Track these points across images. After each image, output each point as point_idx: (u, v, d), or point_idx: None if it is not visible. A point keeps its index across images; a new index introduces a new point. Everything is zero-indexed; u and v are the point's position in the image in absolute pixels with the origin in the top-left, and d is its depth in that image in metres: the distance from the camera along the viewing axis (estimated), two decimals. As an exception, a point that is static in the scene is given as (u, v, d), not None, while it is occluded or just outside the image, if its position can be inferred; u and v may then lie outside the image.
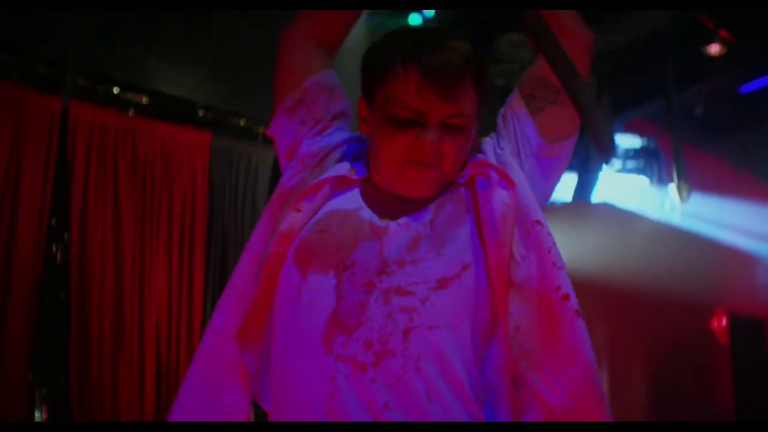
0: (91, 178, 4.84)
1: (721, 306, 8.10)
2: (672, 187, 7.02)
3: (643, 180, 7.17)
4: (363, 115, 1.77)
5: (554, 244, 1.70)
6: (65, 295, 4.76)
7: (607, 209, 6.82)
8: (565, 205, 6.67)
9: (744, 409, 8.51)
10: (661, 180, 7.11)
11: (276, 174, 5.56)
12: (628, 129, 7.15)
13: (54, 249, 4.83)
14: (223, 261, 5.34)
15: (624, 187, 7.06)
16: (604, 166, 6.74)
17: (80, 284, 4.73)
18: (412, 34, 1.73)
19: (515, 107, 1.85)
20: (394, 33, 1.75)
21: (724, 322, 8.12)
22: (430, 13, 5.96)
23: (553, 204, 6.66)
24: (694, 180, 7.22)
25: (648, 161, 7.21)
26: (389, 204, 1.72)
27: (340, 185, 1.77)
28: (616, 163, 7.05)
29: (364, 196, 1.75)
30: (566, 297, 1.64)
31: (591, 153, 6.65)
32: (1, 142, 4.52)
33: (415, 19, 5.96)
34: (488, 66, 1.74)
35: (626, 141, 7.13)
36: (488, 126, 1.86)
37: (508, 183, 1.67)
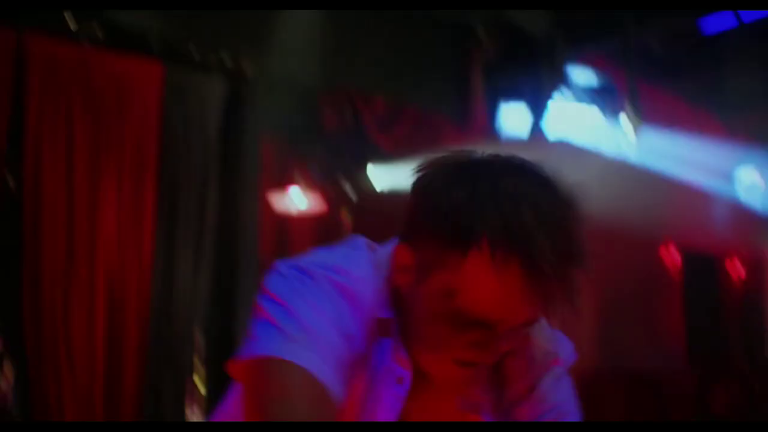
0: (45, 110, 4.84)
1: (673, 242, 8.22)
2: (624, 120, 7.06)
3: (597, 116, 7.21)
4: (405, 264, 1.30)
5: None
6: (18, 227, 4.79)
7: (560, 144, 6.86)
8: (518, 139, 6.71)
9: (696, 345, 8.70)
10: (616, 114, 7.14)
11: (227, 107, 5.58)
12: (584, 63, 7.17)
13: (8, 178, 4.86)
14: (174, 192, 5.38)
15: (578, 121, 7.09)
16: (558, 102, 6.78)
17: (33, 216, 4.77)
18: (514, 196, 1.20)
19: None
20: (478, 182, 1.22)
21: (677, 257, 8.27)
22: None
23: (507, 140, 6.73)
24: (650, 117, 7.26)
25: (603, 97, 7.25)
26: None
27: None
28: (571, 97, 7.07)
29: None
30: None
31: (544, 87, 6.67)
32: (-46, 75, 4.51)
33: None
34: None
35: (582, 76, 7.16)
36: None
37: None
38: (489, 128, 6.77)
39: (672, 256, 8.26)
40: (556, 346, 1.49)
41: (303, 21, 5.78)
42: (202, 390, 5.53)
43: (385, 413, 1.38)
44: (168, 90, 5.35)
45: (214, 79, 5.62)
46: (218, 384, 5.04)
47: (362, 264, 1.37)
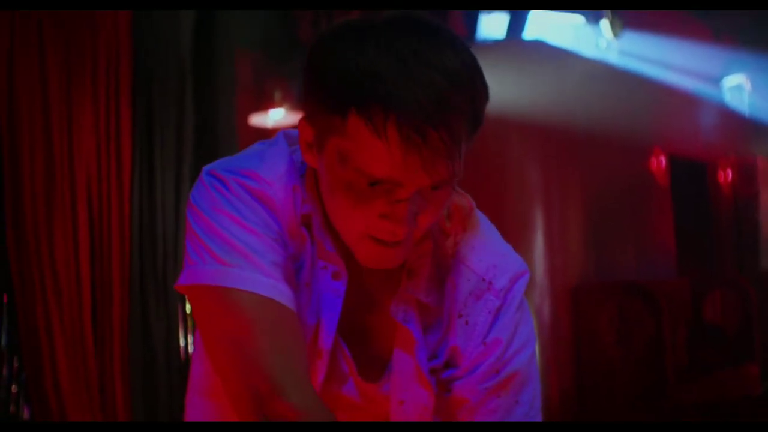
0: (16, 37, 4.78)
1: (660, 147, 8.16)
2: (605, 23, 6.97)
3: (577, 17, 7.10)
4: (307, 140, 1.30)
5: None
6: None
7: (539, 47, 6.76)
8: (496, 43, 6.60)
9: (686, 253, 8.70)
10: (596, 17, 7.03)
11: (200, 24, 5.46)
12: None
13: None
14: (149, 112, 5.33)
15: (557, 25, 6.98)
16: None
17: (10, 135, 4.74)
18: (392, 51, 1.16)
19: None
20: (362, 42, 1.19)
21: (663, 162, 8.21)
22: None
23: (484, 42, 6.61)
24: (632, 20, 7.16)
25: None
26: None
27: None
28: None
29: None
30: None
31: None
32: None
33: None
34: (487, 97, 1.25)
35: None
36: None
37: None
38: (467, 35, 6.65)
39: (659, 162, 8.20)
40: (495, 269, 1.44)
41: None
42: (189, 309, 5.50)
43: (328, 312, 1.39)
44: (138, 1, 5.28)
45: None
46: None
47: (276, 161, 1.37)
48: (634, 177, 7.88)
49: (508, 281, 1.44)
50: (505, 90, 6.16)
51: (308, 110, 1.27)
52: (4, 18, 4.74)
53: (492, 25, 6.59)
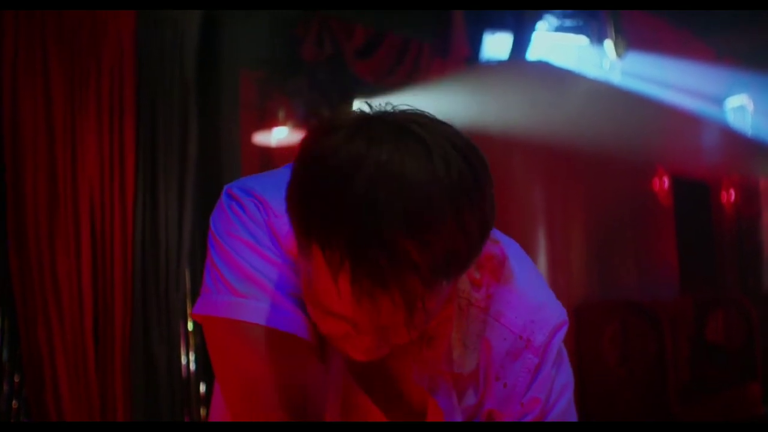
0: (20, 47, 4.77)
1: (663, 167, 8.13)
2: (608, 43, 6.97)
3: (581, 38, 7.10)
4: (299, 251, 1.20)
5: None
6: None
7: (543, 68, 6.77)
8: (500, 63, 6.60)
9: (689, 273, 8.66)
10: (600, 38, 7.03)
11: (204, 42, 5.45)
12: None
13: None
14: (153, 126, 5.32)
15: (562, 45, 6.99)
16: (540, 24, 6.66)
17: (13, 153, 4.73)
18: (365, 184, 1.03)
19: None
20: (339, 172, 1.04)
21: (666, 182, 8.19)
22: None
23: (488, 62, 6.61)
24: (633, 38, 7.16)
25: (586, 19, 7.13)
26: None
27: None
28: (553, 21, 6.96)
29: None
30: None
31: (526, 12, 6.56)
32: None
33: None
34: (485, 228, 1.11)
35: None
36: None
37: None
38: (470, 56, 6.66)
39: (662, 182, 8.17)
40: (533, 325, 1.35)
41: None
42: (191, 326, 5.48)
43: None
44: (142, 22, 5.28)
45: (189, 10, 5.52)
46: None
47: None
48: (637, 196, 7.85)
49: (546, 336, 1.35)
50: (509, 110, 6.16)
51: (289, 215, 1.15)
52: (9, 34, 4.73)
53: (496, 45, 6.60)
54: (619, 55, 6.90)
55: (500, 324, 1.32)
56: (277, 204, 1.23)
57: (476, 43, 6.59)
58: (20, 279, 4.72)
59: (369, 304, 1.05)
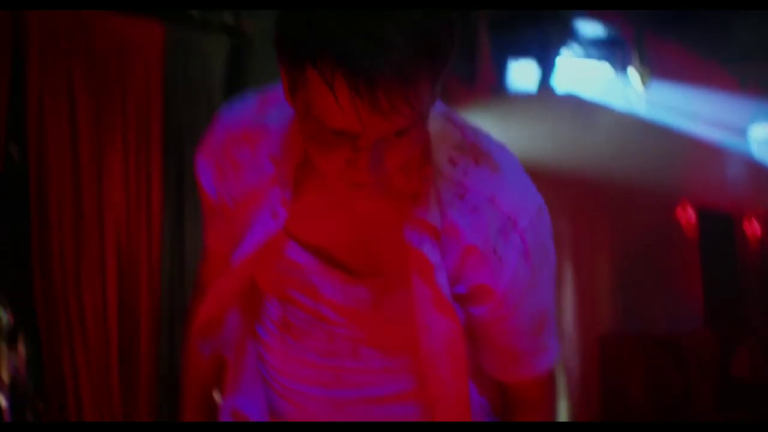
0: (46, 77, 4.75)
1: (687, 199, 8.08)
2: (633, 74, 6.94)
3: (606, 68, 7.08)
4: (285, 92, 1.30)
5: None
6: (24, 194, 4.72)
7: (569, 98, 6.75)
8: (528, 96, 6.58)
9: (714, 306, 8.57)
10: (624, 67, 7.02)
11: (231, 67, 5.44)
12: (590, 15, 7.02)
13: (11, 148, 4.79)
14: (181, 156, 5.27)
15: (587, 75, 6.97)
16: (566, 55, 6.64)
17: (39, 186, 4.70)
18: (338, 14, 1.15)
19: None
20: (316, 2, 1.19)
21: (692, 215, 8.13)
22: None
23: (513, 92, 6.58)
24: (659, 70, 7.13)
25: (611, 50, 7.11)
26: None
27: None
28: (578, 51, 6.94)
29: None
30: None
31: (551, 40, 6.55)
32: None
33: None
34: (452, 28, 1.21)
35: (588, 28, 7.01)
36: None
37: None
38: (497, 86, 6.63)
39: (687, 215, 8.11)
40: (516, 207, 1.43)
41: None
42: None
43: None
44: (169, 50, 5.27)
45: (215, 38, 5.52)
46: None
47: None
48: (661, 228, 7.80)
49: (528, 220, 1.43)
50: (535, 141, 6.11)
51: (280, 63, 1.25)
52: (34, 66, 4.71)
53: (522, 77, 6.57)
54: (643, 84, 6.87)
55: (495, 206, 1.39)
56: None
57: (502, 72, 6.57)
58: (44, 307, 4.67)
59: (364, 101, 1.13)
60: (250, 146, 1.50)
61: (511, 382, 1.57)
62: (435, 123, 1.36)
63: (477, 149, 1.42)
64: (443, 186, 1.39)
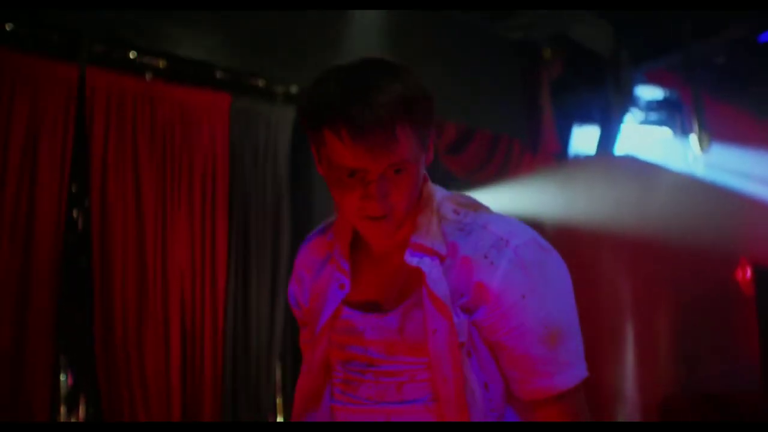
0: (110, 145, 4.72)
1: (745, 257, 8.02)
2: (693, 137, 6.94)
3: (665, 131, 7.10)
4: (314, 157, 1.76)
5: None
6: (87, 261, 4.67)
7: (630, 161, 6.76)
8: (588, 158, 6.60)
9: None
10: (684, 131, 7.02)
11: (296, 135, 5.49)
12: (650, 80, 7.05)
13: (75, 216, 4.76)
14: (246, 223, 5.23)
15: (647, 139, 6.98)
16: (626, 119, 6.67)
17: (102, 251, 4.63)
18: (339, 83, 1.62)
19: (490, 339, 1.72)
20: (323, 82, 1.66)
21: (749, 273, 8.05)
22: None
23: (576, 156, 6.61)
24: (716, 131, 7.13)
25: (670, 112, 7.14)
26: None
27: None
28: (639, 115, 6.96)
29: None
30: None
31: (612, 105, 6.58)
32: (19, 113, 4.39)
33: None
34: (427, 98, 1.67)
35: (648, 92, 7.04)
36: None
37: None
38: (560, 150, 6.68)
39: (744, 273, 8.04)
40: (511, 232, 1.71)
41: (365, 49, 5.72)
42: (281, 419, 5.41)
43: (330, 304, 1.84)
44: (234, 119, 5.24)
45: (281, 107, 5.49)
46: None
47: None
48: (720, 288, 7.73)
49: (521, 240, 1.69)
50: (597, 203, 6.13)
51: (304, 128, 1.70)
52: (99, 132, 4.68)
53: (584, 140, 6.61)
54: (703, 148, 6.86)
55: (486, 230, 1.71)
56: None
57: (565, 138, 6.60)
58: (105, 370, 4.59)
59: (363, 145, 1.57)
60: (318, 257, 1.95)
61: (534, 398, 1.70)
62: (440, 193, 1.81)
63: (475, 205, 1.80)
64: (448, 226, 1.75)
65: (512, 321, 1.66)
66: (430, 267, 1.71)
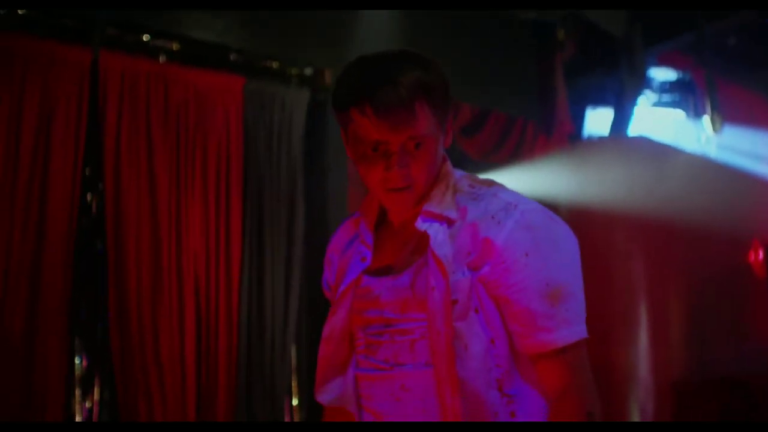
0: (123, 128, 4.68)
1: (757, 238, 7.98)
2: (705, 119, 6.90)
3: (678, 113, 7.05)
4: (343, 137, 1.91)
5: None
6: (102, 244, 4.65)
7: (643, 143, 6.70)
8: (601, 139, 6.56)
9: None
10: (697, 113, 6.98)
11: (310, 117, 5.45)
12: (663, 62, 7.00)
13: (89, 199, 4.73)
14: (260, 206, 5.19)
15: (660, 120, 6.94)
16: (640, 100, 6.62)
17: (116, 233, 4.60)
18: (364, 70, 1.80)
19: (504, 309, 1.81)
20: (351, 71, 1.83)
21: (761, 254, 8.01)
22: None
23: (589, 138, 6.56)
24: (729, 113, 7.07)
25: (683, 94, 7.08)
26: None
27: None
28: (652, 96, 6.92)
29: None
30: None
31: (625, 87, 6.54)
32: (32, 96, 4.36)
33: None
34: (445, 84, 1.82)
35: (661, 74, 6.99)
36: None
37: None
38: (573, 132, 6.65)
39: (757, 255, 8.00)
40: (519, 199, 1.83)
41: (380, 29, 5.67)
42: (296, 402, 5.39)
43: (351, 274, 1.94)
44: (248, 102, 5.19)
45: (295, 89, 5.44)
46: (313, 400, 4.89)
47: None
48: (733, 269, 7.69)
49: (528, 206, 1.82)
50: (610, 184, 6.09)
51: (334, 110, 1.86)
52: (113, 112, 4.65)
53: (597, 122, 6.57)
54: (715, 130, 6.81)
55: (496, 197, 1.84)
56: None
57: (579, 120, 6.57)
58: (120, 353, 4.58)
59: (385, 118, 1.73)
60: (346, 238, 2.06)
61: (535, 352, 1.77)
62: (459, 173, 1.93)
63: (491, 182, 1.91)
64: (462, 196, 1.87)
65: (515, 276, 1.75)
66: (436, 231, 1.83)
